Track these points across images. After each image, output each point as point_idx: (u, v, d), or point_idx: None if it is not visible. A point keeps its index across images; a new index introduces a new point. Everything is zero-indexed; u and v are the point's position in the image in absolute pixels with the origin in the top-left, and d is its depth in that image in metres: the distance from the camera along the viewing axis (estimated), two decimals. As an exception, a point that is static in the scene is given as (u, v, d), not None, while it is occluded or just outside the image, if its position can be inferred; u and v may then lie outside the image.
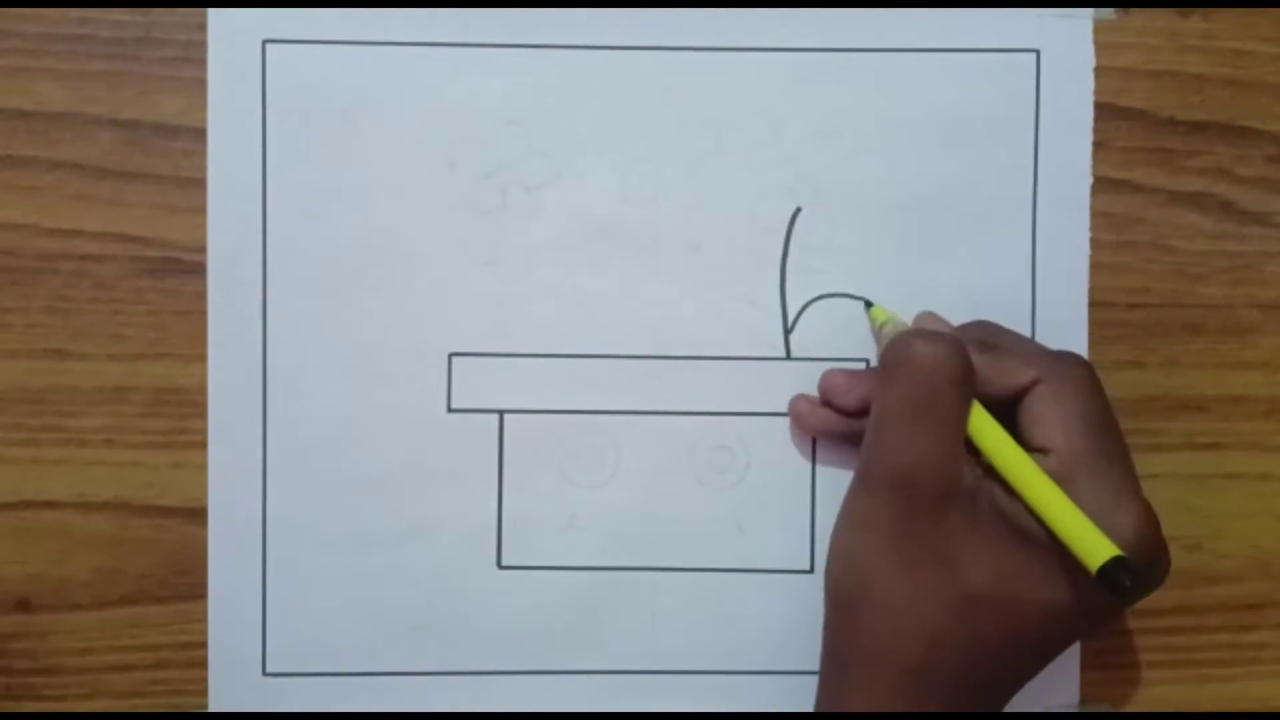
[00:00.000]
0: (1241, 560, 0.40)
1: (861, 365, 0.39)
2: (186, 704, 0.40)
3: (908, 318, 0.38)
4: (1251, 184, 0.40)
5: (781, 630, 0.40)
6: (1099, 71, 0.39)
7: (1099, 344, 0.40)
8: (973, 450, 0.34)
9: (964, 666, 0.33)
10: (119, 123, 0.39)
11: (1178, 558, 0.40)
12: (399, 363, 0.39)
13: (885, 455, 0.34)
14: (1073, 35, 0.39)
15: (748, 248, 0.39)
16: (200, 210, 0.39)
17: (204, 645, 0.39)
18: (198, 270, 0.39)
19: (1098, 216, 0.40)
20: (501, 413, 0.39)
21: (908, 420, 0.34)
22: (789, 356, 0.39)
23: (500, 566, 0.40)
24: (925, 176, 0.39)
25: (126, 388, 0.39)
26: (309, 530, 0.39)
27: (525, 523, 0.40)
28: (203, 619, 0.39)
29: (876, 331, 0.38)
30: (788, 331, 0.40)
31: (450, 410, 0.39)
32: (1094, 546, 0.31)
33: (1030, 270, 0.40)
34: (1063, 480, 0.33)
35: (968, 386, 0.34)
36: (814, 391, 0.39)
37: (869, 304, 0.39)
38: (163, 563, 0.40)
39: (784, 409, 0.39)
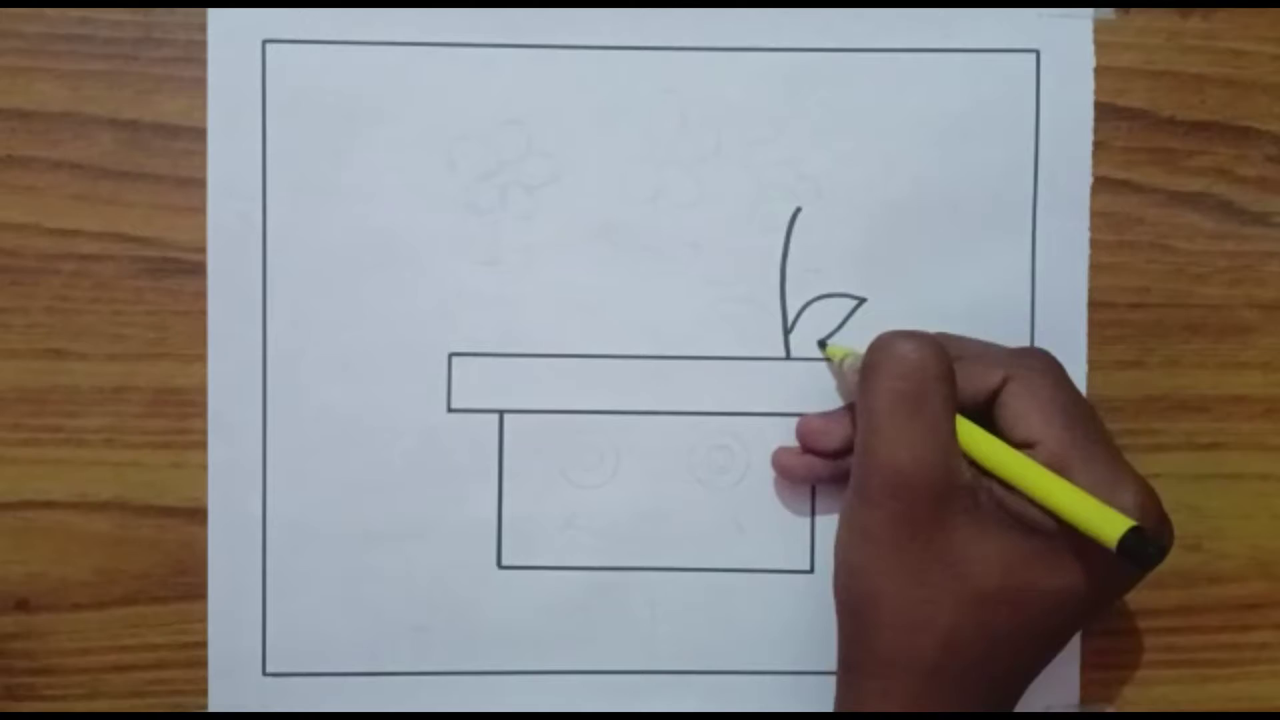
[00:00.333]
0: (1241, 560, 0.40)
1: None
2: (186, 704, 0.40)
3: (896, 325, 0.38)
4: (1251, 184, 0.40)
5: (781, 630, 0.40)
6: (1099, 71, 0.39)
7: (1099, 344, 0.40)
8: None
9: (979, 664, 0.33)
10: (119, 123, 0.39)
11: (1178, 558, 0.40)
12: (399, 363, 0.39)
13: (879, 460, 0.34)
14: (1073, 35, 0.39)
15: (748, 248, 0.39)
16: (200, 210, 0.39)
17: (204, 645, 0.39)
18: (198, 270, 0.39)
19: (1098, 216, 0.40)
20: (501, 413, 0.39)
21: (899, 419, 0.33)
22: (789, 356, 0.39)
23: (500, 566, 0.40)
24: (925, 176, 0.39)
25: (126, 388, 0.39)
26: (309, 530, 0.39)
27: (525, 523, 0.40)
28: (203, 619, 0.39)
29: (837, 368, 0.39)
30: (788, 331, 0.40)
31: (450, 410, 0.39)
32: (1108, 523, 0.31)
33: (1030, 270, 0.40)
34: (1055, 469, 0.33)
35: (952, 386, 0.34)
36: (812, 391, 0.39)
37: (823, 343, 0.39)
38: (163, 563, 0.40)
39: (784, 409, 0.39)
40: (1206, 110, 0.40)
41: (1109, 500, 0.32)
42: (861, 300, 0.39)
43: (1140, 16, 0.40)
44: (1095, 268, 0.40)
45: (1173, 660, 0.40)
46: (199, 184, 0.39)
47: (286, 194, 0.39)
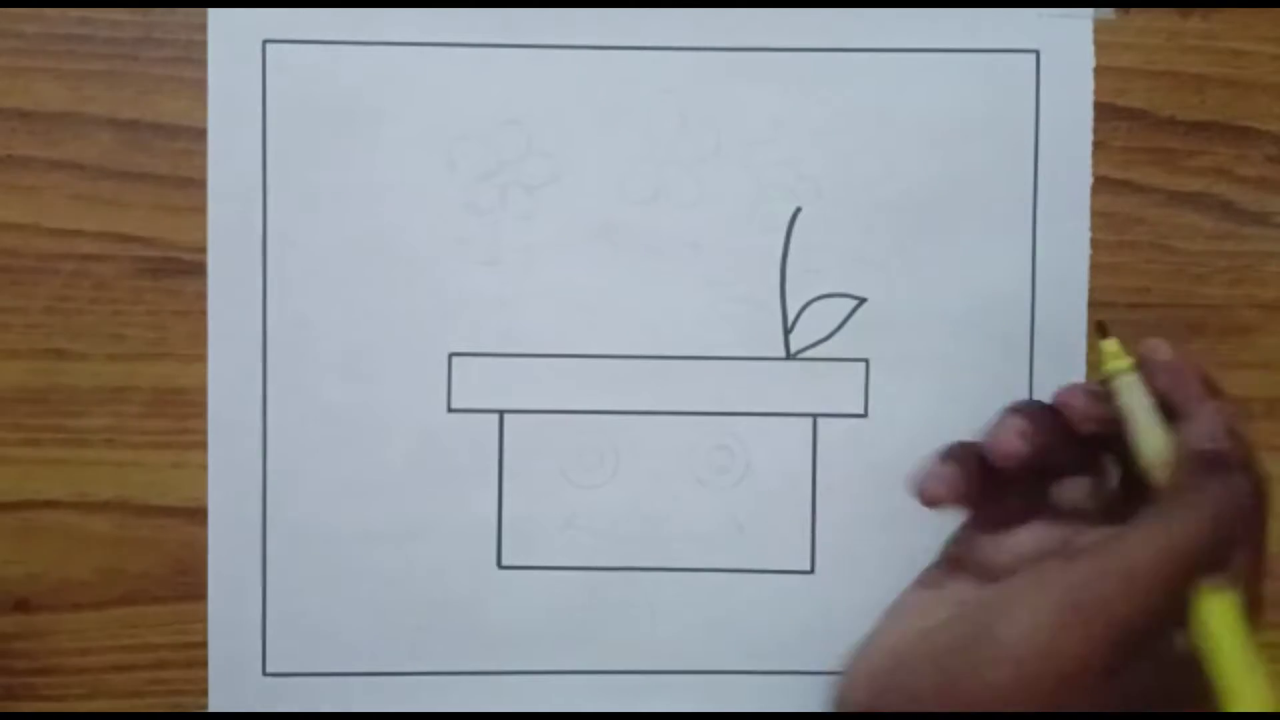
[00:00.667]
0: (1241, 560, 0.40)
1: (861, 365, 0.39)
2: (186, 704, 0.40)
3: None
4: (1251, 184, 0.40)
5: (781, 630, 0.40)
6: (1099, 71, 0.39)
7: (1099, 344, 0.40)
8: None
9: None
10: (119, 123, 0.39)
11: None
12: (399, 363, 0.39)
13: (1138, 591, 0.27)
14: (1073, 35, 0.39)
15: (748, 248, 0.39)
16: (200, 210, 0.39)
17: (204, 645, 0.39)
18: (198, 270, 0.39)
19: (1098, 216, 0.40)
20: (501, 413, 0.39)
21: (1172, 575, 0.27)
22: (789, 356, 0.39)
23: (500, 566, 0.40)
24: (925, 176, 0.39)
25: (126, 388, 0.39)
26: (309, 530, 0.39)
27: (525, 523, 0.40)
28: (203, 619, 0.39)
29: (1110, 376, 0.32)
30: (788, 331, 0.40)
31: (450, 410, 0.39)
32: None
33: (1030, 270, 0.40)
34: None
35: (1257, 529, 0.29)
36: (812, 391, 0.39)
37: (1101, 331, 0.33)
38: (163, 563, 0.40)
39: (784, 409, 0.39)
40: (1206, 110, 0.40)
41: None
42: (861, 300, 0.39)
43: (1140, 16, 0.40)
44: (1095, 268, 0.40)
45: (1173, 660, 0.40)
46: (199, 184, 0.39)
47: (286, 194, 0.39)
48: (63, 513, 0.39)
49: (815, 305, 0.40)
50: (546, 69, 0.39)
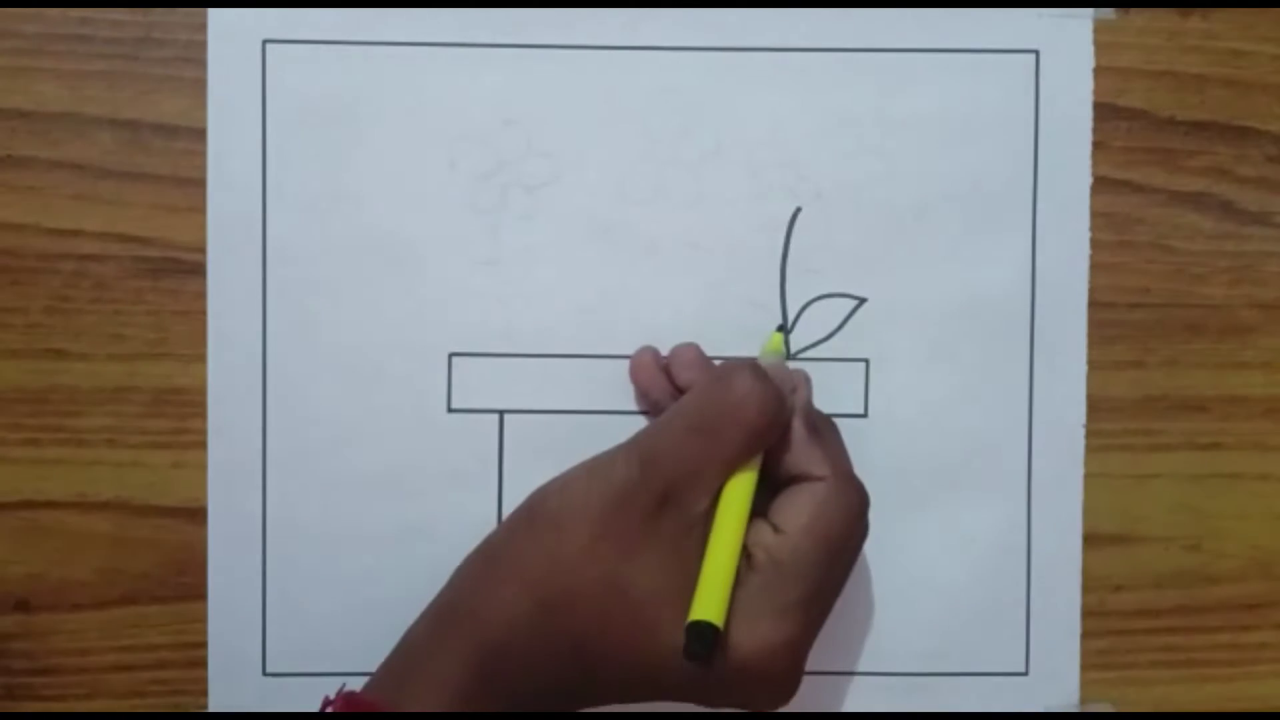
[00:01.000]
0: (1241, 560, 0.40)
1: (861, 365, 0.39)
2: (186, 704, 0.40)
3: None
4: (1251, 184, 0.40)
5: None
6: (1099, 71, 0.39)
7: (1099, 344, 0.40)
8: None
9: (538, 655, 0.33)
10: (119, 123, 0.39)
11: (1178, 557, 0.40)
12: (399, 363, 0.39)
13: (654, 439, 0.34)
14: (1072, 35, 0.39)
15: (748, 248, 0.39)
16: (200, 210, 0.39)
17: (204, 645, 0.39)
18: (198, 270, 0.39)
19: (1098, 216, 0.40)
20: (501, 413, 0.39)
21: (687, 428, 0.34)
22: (789, 356, 0.39)
23: (500, 566, 0.40)
24: (925, 176, 0.39)
25: (126, 388, 0.39)
26: (309, 530, 0.39)
27: (525, 523, 0.39)
28: (203, 619, 0.39)
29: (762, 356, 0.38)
30: (788, 331, 0.40)
31: (450, 410, 0.39)
32: (705, 608, 0.32)
33: (1030, 270, 0.40)
34: (773, 565, 0.33)
35: (760, 439, 0.34)
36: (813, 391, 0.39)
37: (782, 327, 0.39)
38: (163, 563, 0.40)
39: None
40: (1206, 110, 0.40)
41: (753, 617, 0.33)
42: (861, 300, 0.39)
43: (1140, 16, 0.40)
44: (1095, 268, 0.40)
45: (1173, 660, 0.40)
46: (199, 184, 0.39)
47: (286, 194, 0.39)
48: (63, 513, 0.39)
49: (815, 305, 0.40)
50: (546, 69, 0.39)
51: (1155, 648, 0.40)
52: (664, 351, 0.39)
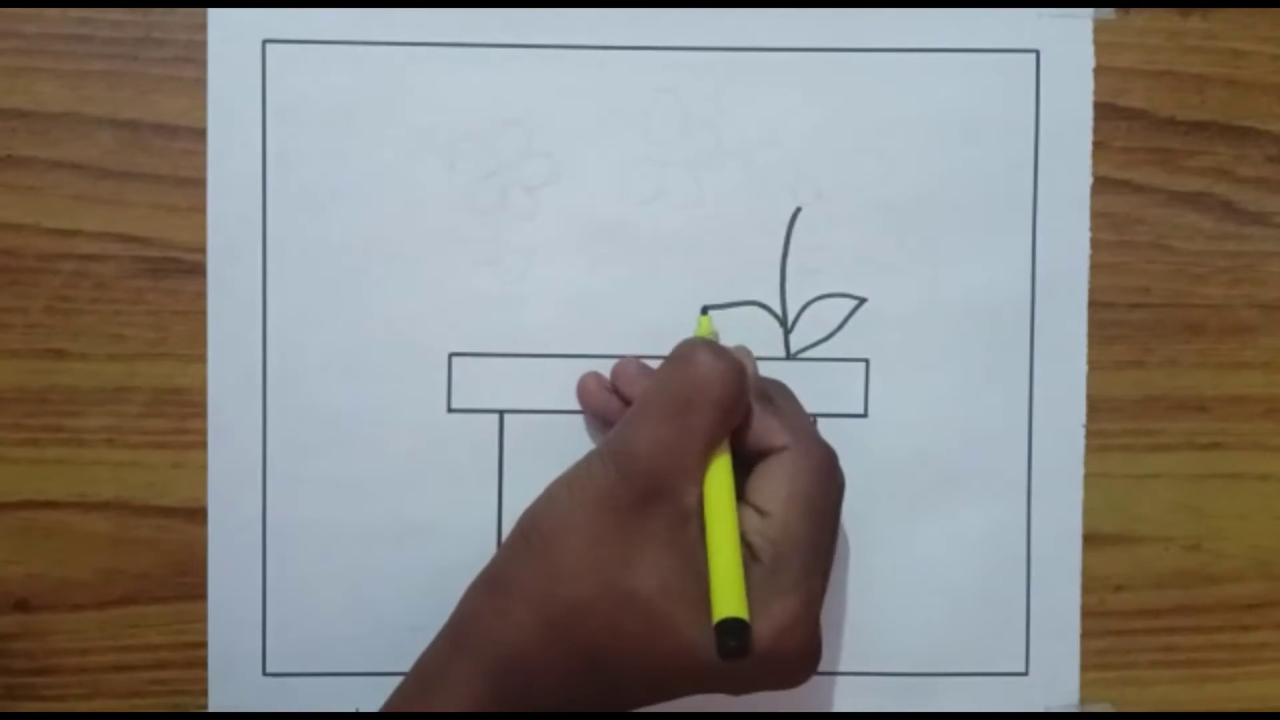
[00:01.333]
0: (1241, 560, 0.40)
1: (861, 365, 0.40)
2: (186, 704, 0.40)
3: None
4: (1251, 184, 0.40)
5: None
6: (1099, 71, 0.39)
7: (1099, 344, 0.40)
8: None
9: (559, 659, 0.33)
10: (119, 123, 0.39)
11: (1178, 557, 0.40)
12: (399, 363, 0.39)
13: (626, 434, 0.34)
14: (1073, 35, 0.39)
15: (748, 248, 0.39)
16: (200, 210, 0.39)
17: (204, 645, 0.39)
18: (198, 270, 0.39)
19: (1098, 216, 0.40)
20: (501, 413, 0.39)
21: (659, 415, 0.34)
22: (789, 356, 0.39)
23: (500, 566, 0.40)
24: (925, 176, 0.39)
25: (126, 388, 0.39)
26: (309, 530, 0.39)
27: (525, 523, 0.39)
28: (203, 619, 0.39)
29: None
30: (788, 331, 0.40)
31: (450, 410, 0.39)
32: (726, 603, 0.32)
33: (1030, 270, 0.40)
34: (761, 548, 0.33)
35: (730, 414, 0.34)
36: (813, 391, 0.39)
37: (705, 309, 0.39)
38: (163, 563, 0.40)
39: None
40: (1206, 110, 0.40)
41: (765, 599, 0.32)
42: (861, 300, 0.39)
43: (1140, 16, 0.40)
44: (1095, 268, 0.40)
45: (1173, 660, 0.40)
46: (199, 184, 0.39)
47: (286, 194, 0.39)
48: (62, 513, 0.39)
49: (815, 305, 0.40)
50: (546, 69, 0.39)
51: (1155, 648, 0.40)
52: (664, 351, 0.39)
